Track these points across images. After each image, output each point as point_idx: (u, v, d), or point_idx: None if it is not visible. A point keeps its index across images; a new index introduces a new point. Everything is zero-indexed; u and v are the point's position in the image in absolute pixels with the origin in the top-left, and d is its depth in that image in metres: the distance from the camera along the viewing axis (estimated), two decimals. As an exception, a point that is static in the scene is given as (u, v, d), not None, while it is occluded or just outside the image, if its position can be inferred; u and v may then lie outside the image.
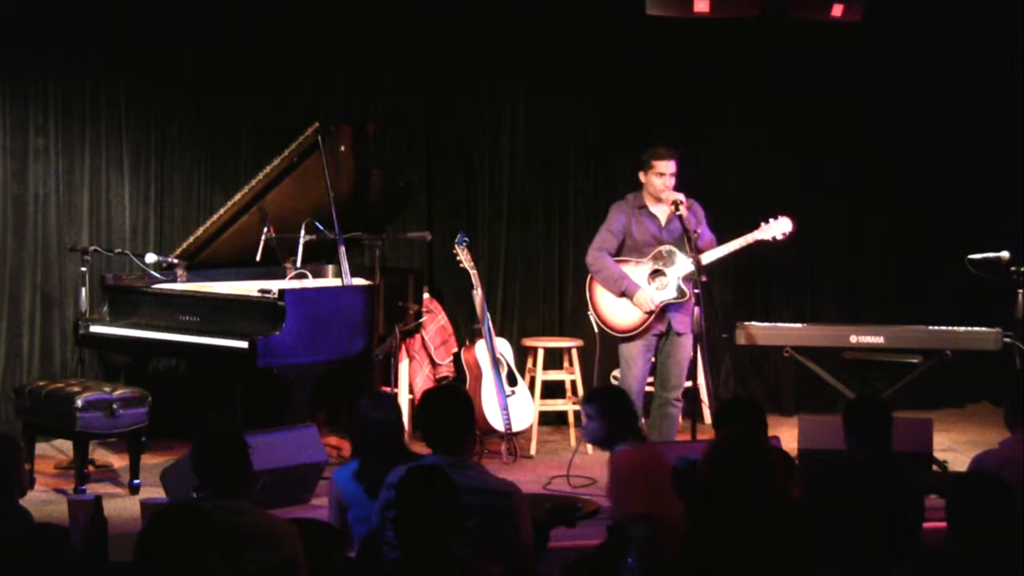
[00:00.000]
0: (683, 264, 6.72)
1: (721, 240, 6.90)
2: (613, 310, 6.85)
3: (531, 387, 7.81)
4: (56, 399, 6.64)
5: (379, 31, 8.36)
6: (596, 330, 6.91)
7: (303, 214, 7.14)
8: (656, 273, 6.77)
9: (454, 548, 3.67)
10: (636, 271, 6.80)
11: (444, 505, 3.59)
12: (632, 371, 6.80)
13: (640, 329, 6.79)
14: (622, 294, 6.79)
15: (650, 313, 6.75)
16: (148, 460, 6.91)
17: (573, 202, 8.81)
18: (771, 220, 6.81)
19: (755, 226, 6.82)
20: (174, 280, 7.38)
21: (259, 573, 3.77)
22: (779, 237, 6.82)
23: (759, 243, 6.80)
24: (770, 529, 3.60)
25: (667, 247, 6.77)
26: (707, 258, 6.69)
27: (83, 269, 7.28)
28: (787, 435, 6.75)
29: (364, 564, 4.07)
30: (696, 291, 6.60)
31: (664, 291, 6.77)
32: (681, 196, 6.74)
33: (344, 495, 4.45)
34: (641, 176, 6.84)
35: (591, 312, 6.90)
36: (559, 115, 8.78)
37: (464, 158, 8.69)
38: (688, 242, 6.65)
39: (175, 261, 7.41)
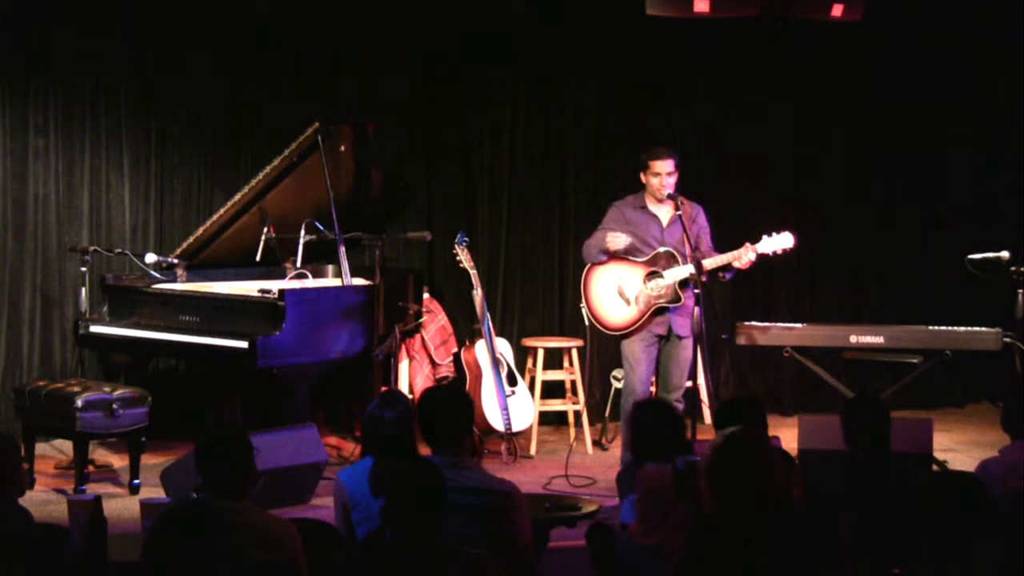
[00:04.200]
0: (681, 270, 6.69)
1: (720, 247, 6.87)
2: (606, 307, 6.83)
3: (531, 387, 7.81)
4: (56, 399, 6.63)
5: (379, 31, 8.36)
6: (587, 323, 6.90)
7: (303, 214, 7.14)
8: (653, 275, 6.76)
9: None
10: (632, 271, 6.79)
11: (429, 488, 3.61)
12: (636, 372, 6.78)
13: (631, 329, 6.78)
14: (603, 252, 6.78)
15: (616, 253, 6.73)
16: (148, 460, 6.91)
17: (573, 202, 8.80)
18: (773, 234, 6.75)
19: (756, 237, 6.78)
20: (174, 280, 7.38)
21: (259, 573, 3.76)
22: (779, 252, 6.78)
23: (760, 256, 6.74)
24: (770, 529, 3.59)
25: (667, 250, 6.75)
26: (706, 265, 6.66)
27: (83, 269, 7.28)
28: (787, 435, 6.75)
29: (363, 555, 4.05)
30: (696, 291, 6.60)
31: (659, 293, 6.74)
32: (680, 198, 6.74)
33: (349, 495, 4.44)
34: (641, 177, 6.83)
35: (583, 305, 6.90)
36: (559, 115, 8.78)
37: (464, 158, 8.69)
38: (688, 242, 6.64)
39: (175, 261, 7.41)
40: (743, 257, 6.68)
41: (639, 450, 4.70)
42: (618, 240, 6.73)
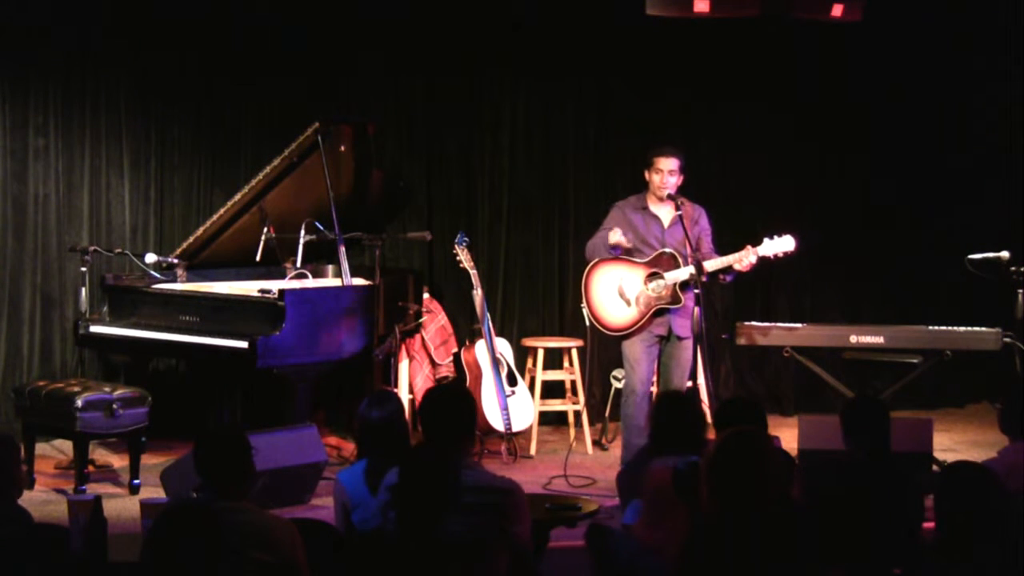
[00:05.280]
0: (681, 271, 6.69)
1: (720, 248, 6.87)
2: (607, 308, 6.83)
3: (531, 387, 7.81)
4: (56, 399, 6.63)
5: (379, 31, 8.36)
6: (588, 324, 6.90)
7: (303, 214, 7.14)
8: (654, 276, 6.75)
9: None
10: (633, 272, 6.79)
11: (442, 481, 3.62)
12: (637, 372, 6.78)
13: (631, 329, 6.77)
14: (611, 248, 6.77)
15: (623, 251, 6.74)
16: (148, 460, 6.91)
17: (573, 202, 8.80)
18: (774, 236, 6.75)
19: (756, 238, 6.77)
20: (174, 280, 7.38)
21: (259, 573, 3.77)
22: (780, 255, 6.77)
23: (760, 259, 6.73)
24: (770, 529, 3.60)
25: (668, 251, 6.75)
26: (707, 267, 6.66)
27: (83, 269, 7.28)
28: (787, 435, 6.75)
29: (364, 550, 4.06)
30: (696, 291, 6.60)
31: (659, 294, 6.74)
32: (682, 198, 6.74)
33: (349, 497, 4.44)
34: (645, 174, 6.82)
35: (584, 306, 6.90)
36: (559, 115, 8.78)
37: (464, 158, 8.69)
38: (688, 242, 6.64)
39: (175, 261, 7.41)
40: (744, 259, 6.68)
41: (659, 441, 4.72)
42: (615, 235, 6.72)
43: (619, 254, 6.80)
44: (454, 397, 4.45)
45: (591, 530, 4.58)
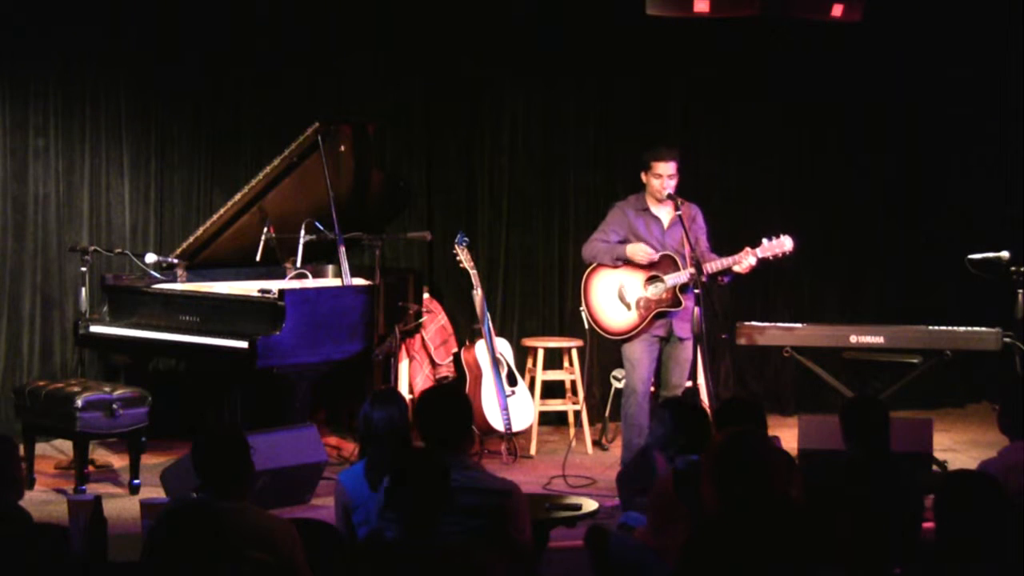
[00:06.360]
0: (681, 275, 6.69)
1: (720, 248, 6.87)
2: (607, 312, 6.83)
3: (531, 387, 7.81)
4: (56, 399, 6.63)
5: (379, 31, 8.37)
6: (587, 326, 6.90)
7: (303, 214, 7.14)
8: (653, 279, 6.75)
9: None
10: (633, 275, 6.78)
11: (435, 481, 3.63)
12: (637, 372, 6.78)
13: (631, 334, 6.77)
14: (618, 259, 6.77)
15: (651, 264, 6.72)
16: (148, 460, 6.91)
17: (573, 202, 8.80)
18: (772, 238, 6.75)
19: (756, 240, 6.77)
20: (174, 280, 7.38)
21: (259, 573, 3.77)
22: (778, 255, 6.76)
23: (760, 260, 6.73)
24: (770, 529, 3.60)
25: (668, 254, 6.75)
26: (706, 269, 6.66)
27: (83, 269, 7.28)
28: (787, 435, 6.76)
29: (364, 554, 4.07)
30: (696, 291, 6.60)
31: (659, 297, 6.73)
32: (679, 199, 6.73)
33: (350, 498, 4.44)
34: (643, 176, 6.82)
35: (583, 309, 6.90)
36: (559, 115, 8.77)
37: (464, 158, 8.69)
38: (687, 242, 6.64)
39: (175, 261, 7.41)
40: (743, 261, 6.68)
41: (669, 448, 4.73)
42: (638, 253, 6.73)
43: (620, 264, 6.79)
44: (450, 398, 4.45)
45: (591, 531, 4.58)
